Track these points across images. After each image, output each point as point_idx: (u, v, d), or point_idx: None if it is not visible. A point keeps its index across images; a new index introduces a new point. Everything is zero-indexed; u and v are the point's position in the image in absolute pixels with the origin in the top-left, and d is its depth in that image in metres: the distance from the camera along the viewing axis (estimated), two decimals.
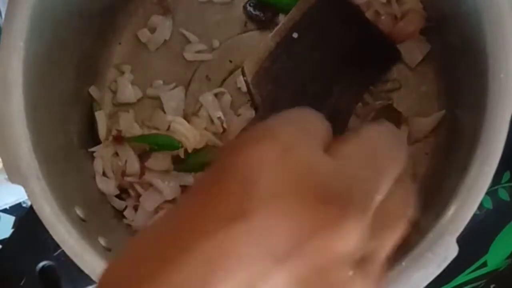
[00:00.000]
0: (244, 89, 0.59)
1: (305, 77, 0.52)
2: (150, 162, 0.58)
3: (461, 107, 0.51)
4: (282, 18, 0.60)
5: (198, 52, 0.62)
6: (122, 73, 0.62)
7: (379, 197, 0.32)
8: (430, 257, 0.43)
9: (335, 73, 0.52)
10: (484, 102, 0.44)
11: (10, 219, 0.67)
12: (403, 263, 0.44)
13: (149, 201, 0.58)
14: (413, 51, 0.58)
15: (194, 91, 0.61)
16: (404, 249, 0.46)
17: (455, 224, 0.43)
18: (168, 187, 0.57)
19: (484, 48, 0.45)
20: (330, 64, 0.53)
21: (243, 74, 0.51)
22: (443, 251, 0.43)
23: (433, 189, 0.53)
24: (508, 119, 0.42)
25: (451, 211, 0.44)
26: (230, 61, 0.61)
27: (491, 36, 0.44)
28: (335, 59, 0.53)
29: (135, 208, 0.58)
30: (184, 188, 0.58)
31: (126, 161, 0.58)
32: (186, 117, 0.60)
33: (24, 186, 0.46)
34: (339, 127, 0.52)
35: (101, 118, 0.60)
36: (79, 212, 0.50)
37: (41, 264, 0.63)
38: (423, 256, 0.44)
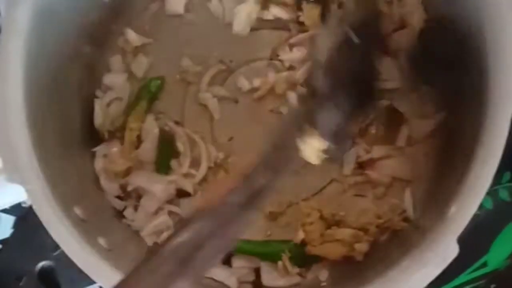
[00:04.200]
0: (245, 89, 0.60)
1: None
2: None
3: (462, 107, 0.51)
4: None
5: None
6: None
7: None
8: (430, 257, 0.43)
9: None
10: (484, 102, 0.44)
11: (10, 219, 0.66)
12: (404, 263, 0.44)
13: (150, 203, 0.58)
14: None
15: (194, 90, 0.61)
16: (404, 249, 0.46)
17: (455, 224, 0.43)
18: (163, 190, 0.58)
19: (484, 48, 0.45)
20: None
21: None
22: (443, 251, 0.43)
23: (434, 190, 0.53)
24: (509, 119, 0.42)
25: (451, 211, 0.44)
26: (231, 61, 0.62)
27: (491, 36, 0.44)
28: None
29: (135, 208, 0.59)
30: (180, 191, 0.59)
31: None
32: None
33: (24, 186, 0.46)
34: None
35: (98, 106, 0.60)
36: (78, 212, 0.50)
37: (40, 264, 0.63)
38: (424, 256, 0.44)
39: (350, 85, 0.50)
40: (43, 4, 0.49)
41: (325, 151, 0.46)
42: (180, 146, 0.59)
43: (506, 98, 0.43)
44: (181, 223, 0.41)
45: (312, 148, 0.45)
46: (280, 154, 0.44)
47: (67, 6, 0.53)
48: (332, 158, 0.48)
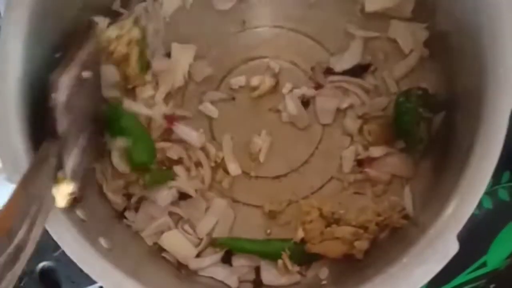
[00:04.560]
0: (241, 84, 0.61)
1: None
2: None
3: (461, 104, 0.51)
4: None
5: None
6: None
7: None
8: (430, 254, 0.43)
9: None
10: (483, 97, 0.44)
11: None
12: (404, 260, 0.44)
13: (152, 208, 0.59)
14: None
15: (192, 90, 0.62)
16: (404, 246, 0.46)
17: (455, 220, 0.43)
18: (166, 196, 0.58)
19: (482, 44, 0.45)
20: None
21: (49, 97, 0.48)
22: (443, 247, 0.43)
23: (433, 187, 0.53)
24: (508, 113, 0.43)
25: (451, 207, 0.44)
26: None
27: (490, 32, 0.45)
28: None
29: (136, 210, 0.59)
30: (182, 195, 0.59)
31: None
32: None
33: None
34: None
35: None
36: (79, 212, 0.50)
37: (41, 265, 0.63)
38: (424, 252, 0.44)
39: (86, 123, 0.51)
40: (42, 5, 0.49)
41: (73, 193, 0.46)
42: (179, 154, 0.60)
43: (504, 95, 0.43)
44: None
45: (61, 193, 0.45)
46: (33, 205, 0.42)
47: (66, 8, 0.53)
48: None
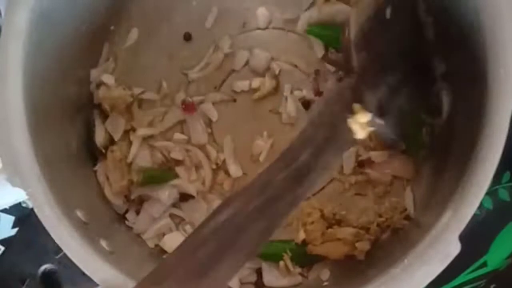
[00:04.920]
0: (244, 88, 0.60)
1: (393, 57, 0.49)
2: None
3: (462, 104, 0.51)
4: None
5: None
6: None
7: None
8: (432, 255, 0.43)
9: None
10: (484, 97, 0.44)
11: (10, 219, 0.66)
12: (406, 261, 0.44)
13: (154, 208, 0.59)
14: None
15: (193, 92, 0.62)
16: (406, 247, 0.46)
17: (457, 221, 0.43)
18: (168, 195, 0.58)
19: (483, 44, 0.45)
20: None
21: (344, 32, 0.48)
22: (445, 248, 0.43)
23: (435, 187, 0.53)
24: (509, 114, 0.42)
25: (452, 208, 0.44)
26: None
27: (490, 32, 0.44)
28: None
29: (137, 212, 0.59)
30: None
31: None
32: None
33: (25, 189, 0.46)
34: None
35: (99, 125, 0.60)
36: (80, 214, 0.49)
37: (43, 267, 0.63)
38: (426, 253, 0.43)
39: (394, 59, 0.48)
40: (42, 7, 0.49)
41: (370, 123, 0.44)
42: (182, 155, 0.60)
43: (505, 96, 0.43)
44: (221, 203, 0.39)
45: (357, 122, 0.44)
46: (321, 132, 0.43)
47: (68, 10, 0.53)
48: (379, 132, 0.46)
